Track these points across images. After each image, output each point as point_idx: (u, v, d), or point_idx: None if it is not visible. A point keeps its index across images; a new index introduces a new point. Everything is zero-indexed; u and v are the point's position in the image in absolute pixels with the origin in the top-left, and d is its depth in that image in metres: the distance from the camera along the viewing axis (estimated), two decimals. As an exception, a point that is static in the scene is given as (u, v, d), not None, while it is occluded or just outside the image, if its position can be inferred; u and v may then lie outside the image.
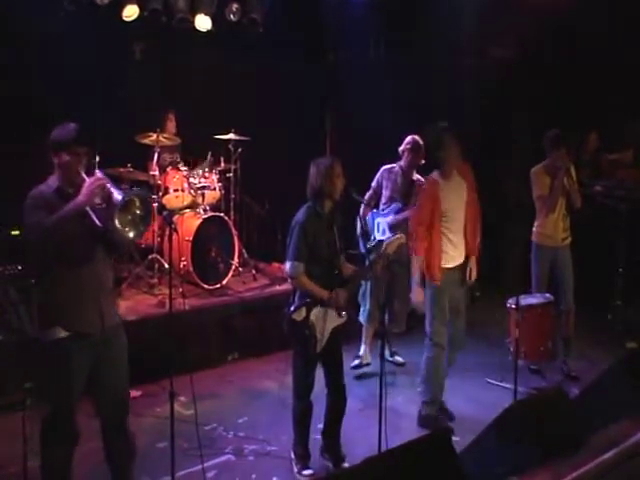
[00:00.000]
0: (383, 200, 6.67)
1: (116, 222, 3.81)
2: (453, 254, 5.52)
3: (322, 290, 4.73)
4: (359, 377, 6.59)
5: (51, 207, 3.87)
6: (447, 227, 5.48)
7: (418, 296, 5.56)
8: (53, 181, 4.03)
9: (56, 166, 4.00)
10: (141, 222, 3.92)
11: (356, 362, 6.73)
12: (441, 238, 5.47)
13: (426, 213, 5.48)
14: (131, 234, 3.91)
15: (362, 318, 6.77)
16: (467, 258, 5.60)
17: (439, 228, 5.46)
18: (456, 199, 5.51)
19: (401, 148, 6.60)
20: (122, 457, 4.30)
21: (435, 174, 5.57)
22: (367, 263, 4.93)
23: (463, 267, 5.60)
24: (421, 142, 6.47)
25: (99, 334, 4.04)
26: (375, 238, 6.50)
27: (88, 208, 3.89)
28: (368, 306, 6.67)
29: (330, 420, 5.02)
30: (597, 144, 8.62)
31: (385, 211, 6.63)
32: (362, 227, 6.44)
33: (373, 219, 6.65)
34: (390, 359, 6.84)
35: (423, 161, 6.48)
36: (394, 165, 6.68)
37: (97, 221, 3.94)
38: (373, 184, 6.73)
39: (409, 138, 6.58)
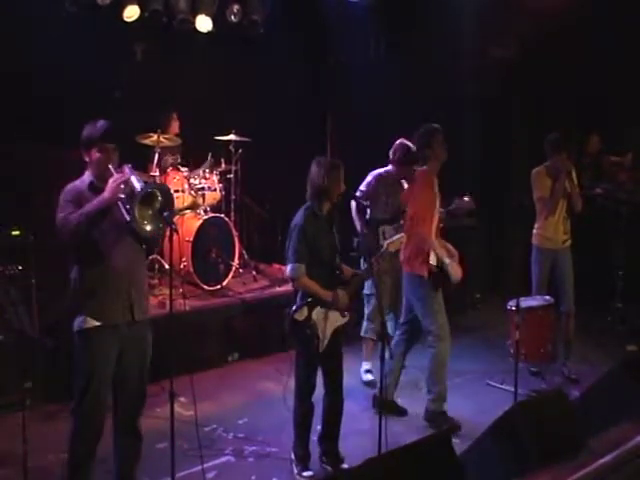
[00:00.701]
0: (382, 207, 6.42)
1: (136, 213, 3.88)
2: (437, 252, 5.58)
3: (324, 290, 4.73)
4: (369, 384, 6.50)
5: (82, 201, 3.98)
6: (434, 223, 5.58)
7: (457, 272, 5.56)
8: (87, 176, 4.13)
9: (88, 162, 4.11)
10: (161, 219, 3.95)
11: (369, 379, 6.55)
12: (433, 237, 5.53)
13: (430, 199, 5.56)
14: (148, 227, 3.95)
15: (363, 332, 6.58)
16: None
17: (431, 221, 5.53)
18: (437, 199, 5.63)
19: (392, 158, 6.41)
20: (129, 456, 4.33)
21: (425, 168, 5.63)
22: (368, 263, 4.94)
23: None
24: (410, 147, 6.26)
25: (127, 327, 4.12)
26: (383, 246, 6.31)
27: (119, 202, 3.98)
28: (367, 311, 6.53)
29: (328, 421, 5.01)
30: (598, 146, 8.62)
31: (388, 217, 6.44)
32: (360, 243, 6.09)
33: (376, 227, 6.42)
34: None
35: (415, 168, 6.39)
36: (386, 170, 6.47)
37: (126, 215, 4.00)
38: (364, 188, 6.46)
39: (401, 145, 6.38)
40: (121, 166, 4.11)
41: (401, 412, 5.80)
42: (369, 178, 6.47)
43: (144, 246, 4.25)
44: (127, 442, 4.30)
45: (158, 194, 3.99)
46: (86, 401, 4.08)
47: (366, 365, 6.62)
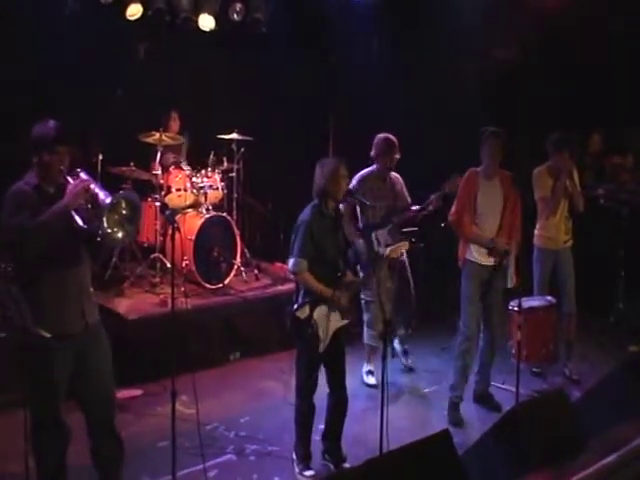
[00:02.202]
0: (370, 211, 6.23)
1: (105, 224, 3.75)
2: (479, 251, 5.72)
3: (325, 288, 4.73)
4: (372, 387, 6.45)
5: (32, 206, 3.79)
6: (477, 224, 5.70)
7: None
8: (31, 178, 3.93)
9: (35, 164, 3.91)
10: (129, 222, 3.87)
11: (373, 382, 6.48)
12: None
13: (461, 201, 5.72)
14: (119, 234, 3.85)
15: (366, 338, 6.52)
16: (500, 263, 5.73)
17: (469, 219, 5.67)
18: (490, 201, 5.71)
19: (373, 153, 6.33)
20: (110, 460, 4.23)
21: (478, 169, 5.77)
22: (365, 272, 4.94)
23: (494, 268, 5.74)
24: (392, 140, 6.26)
25: (82, 333, 4.01)
26: (379, 252, 6.16)
27: (72, 210, 3.83)
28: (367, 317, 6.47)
29: (332, 421, 5.02)
30: (600, 146, 8.61)
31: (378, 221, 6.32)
32: (355, 253, 5.97)
33: (370, 234, 6.26)
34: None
35: (397, 156, 6.29)
36: (370, 170, 6.38)
37: (80, 222, 3.88)
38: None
39: (378, 140, 6.31)
40: (74, 170, 3.95)
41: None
42: (353, 182, 6.18)
43: (94, 252, 4.11)
44: (105, 445, 4.19)
45: (122, 202, 3.87)
46: (49, 417, 4.00)
47: (367, 367, 6.60)
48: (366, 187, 6.27)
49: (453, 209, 5.82)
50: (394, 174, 6.45)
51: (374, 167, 6.38)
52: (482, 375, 6.04)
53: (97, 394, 4.13)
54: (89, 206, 3.88)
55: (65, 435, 4.09)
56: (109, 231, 3.78)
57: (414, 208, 6.30)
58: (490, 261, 5.72)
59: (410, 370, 6.79)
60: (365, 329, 6.48)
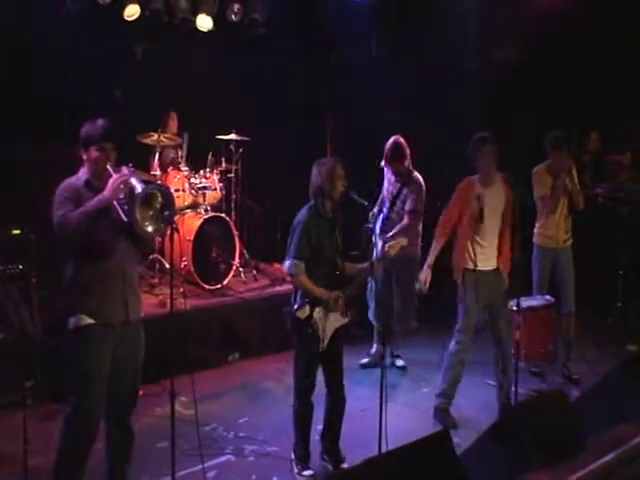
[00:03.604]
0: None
1: (137, 215, 3.89)
2: (482, 258, 5.62)
3: (322, 290, 4.73)
4: (364, 366, 6.74)
5: (79, 199, 3.97)
6: (476, 232, 5.59)
7: (423, 276, 5.68)
8: (83, 173, 4.11)
9: (85, 160, 4.09)
10: (162, 219, 3.97)
11: (365, 360, 6.81)
12: (468, 240, 5.58)
13: (454, 212, 5.65)
14: (149, 228, 3.97)
15: (371, 317, 6.80)
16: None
17: (468, 230, 5.58)
18: (490, 206, 5.59)
19: (384, 157, 6.51)
20: (121, 453, 4.30)
21: (475, 177, 5.66)
22: (368, 264, 4.94)
23: (497, 271, 5.68)
24: (400, 144, 6.38)
25: (122, 326, 4.11)
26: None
27: (115, 202, 3.98)
28: (374, 304, 6.69)
29: (330, 421, 5.01)
30: (598, 144, 8.61)
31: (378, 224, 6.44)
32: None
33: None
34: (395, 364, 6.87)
35: (407, 162, 6.42)
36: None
37: (123, 215, 4.02)
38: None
39: (388, 144, 6.47)
40: (119, 166, 4.11)
41: None
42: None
43: (138, 247, 4.24)
44: (119, 439, 4.27)
45: (158, 195, 3.99)
46: (85, 404, 4.06)
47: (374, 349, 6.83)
48: (387, 176, 6.62)
49: (442, 216, 5.73)
50: (416, 175, 6.51)
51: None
52: (503, 385, 5.76)
53: (122, 390, 4.19)
54: (129, 200, 4.01)
55: (93, 433, 4.11)
56: (140, 222, 3.92)
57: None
58: (489, 265, 5.65)
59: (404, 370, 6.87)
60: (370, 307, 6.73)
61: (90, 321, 4.02)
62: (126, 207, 4.02)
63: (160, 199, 3.98)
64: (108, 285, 4.06)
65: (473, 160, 5.58)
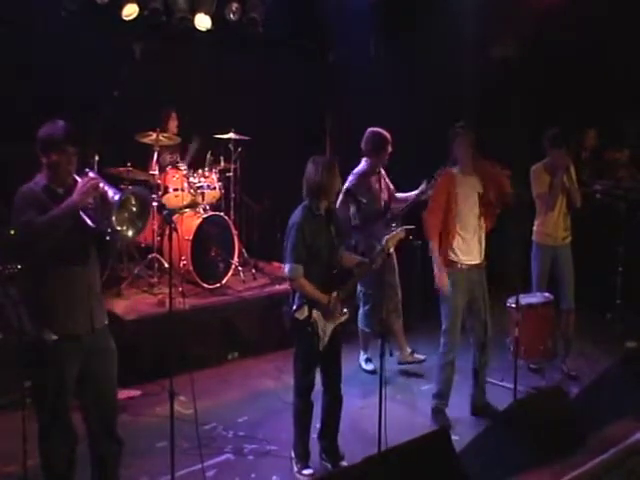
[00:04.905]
0: (363, 216, 6.25)
1: (114, 222, 3.75)
2: (465, 251, 5.54)
3: (321, 294, 4.72)
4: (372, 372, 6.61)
5: (40, 205, 3.79)
6: (459, 224, 5.52)
7: (440, 280, 5.51)
8: (41, 179, 3.92)
9: (44, 165, 3.89)
10: (138, 219, 3.87)
11: (371, 367, 6.67)
12: (452, 234, 5.51)
13: (438, 204, 5.53)
14: (130, 232, 3.86)
15: (364, 323, 6.63)
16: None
17: (452, 223, 5.50)
18: (468, 197, 5.54)
19: (365, 148, 6.37)
20: (109, 461, 4.21)
21: (453, 168, 5.62)
22: (368, 259, 4.94)
23: (480, 267, 5.63)
24: (385, 135, 6.31)
25: (89, 335, 4.00)
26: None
27: (80, 209, 3.83)
28: (365, 308, 6.57)
29: (327, 420, 5.01)
30: (595, 141, 8.60)
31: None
32: (358, 242, 6.23)
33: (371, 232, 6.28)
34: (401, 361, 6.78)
35: (390, 149, 6.34)
36: (365, 166, 6.40)
37: (89, 221, 3.88)
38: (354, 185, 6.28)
39: (372, 135, 6.35)
40: (83, 170, 3.93)
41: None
42: (352, 180, 6.31)
43: (103, 253, 4.12)
44: (106, 448, 4.17)
45: (132, 198, 3.87)
46: (58, 419, 3.97)
47: (365, 355, 6.73)
48: (365, 185, 6.33)
49: (428, 209, 5.62)
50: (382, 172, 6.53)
51: (368, 163, 6.40)
52: (479, 383, 5.80)
53: (99, 399, 4.11)
54: (97, 205, 3.87)
55: (72, 439, 4.07)
56: (118, 229, 3.78)
57: (411, 195, 6.37)
58: (474, 258, 5.58)
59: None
60: (361, 316, 6.55)
61: (54, 336, 3.84)
62: (92, 212, 3.87)
63: (133, 201, 3.86)
64: (73, 295, 3.92)
65: (450, 151, 5.58)
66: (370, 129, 6.40)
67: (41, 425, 4.01)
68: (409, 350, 6.74)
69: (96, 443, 4.17)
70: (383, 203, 6.48)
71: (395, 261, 6.53)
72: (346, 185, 6.21)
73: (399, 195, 6.57)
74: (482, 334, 5.65)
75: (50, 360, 3.91)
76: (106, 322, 4.17)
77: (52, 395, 3.96)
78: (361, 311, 6.60)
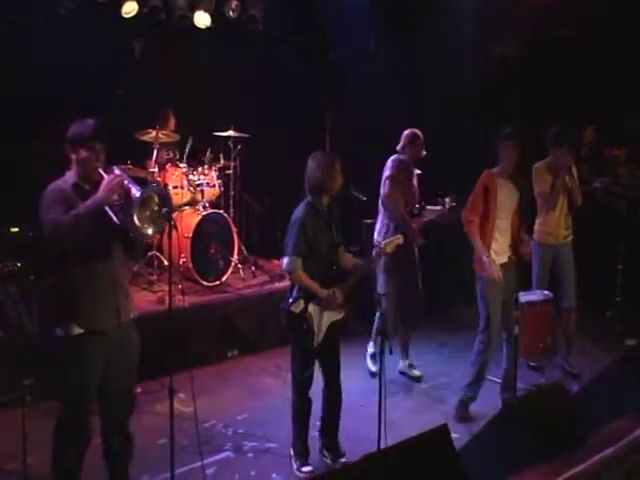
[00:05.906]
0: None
1: (135, 219, 3.81)
2: (497, 251, 5.62)
3: (319, 288, 4.72)
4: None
5: (68, 202, 3.86)
6: (496, 228, 5.60)
7: (492, 269, 5.53)
8: (70, 176, 3.99)
9: (73, 162, 3.97)
10: (160, 218, 3.91)
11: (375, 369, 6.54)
12: (489, 237, 5.58)
13: (480, 202, 5.59)
14: (150, 230, 3.91)
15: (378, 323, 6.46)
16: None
17: (492, 221, 5.58)
18: (507, 200, 5.62)
19: (401, 144, 6.40)
20: (121, 457, 4.25)
21: (494, 169, 5.68)
22: (366, 261, 4.94)
23: (508, 267, 5.67)
24: (420, 134, 6.36)
25: (114, 331, 4.03)
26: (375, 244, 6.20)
27: (108, 205, 3.89)
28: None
29: (327, 417, 5.02)
30: (593, 138, 8.59)
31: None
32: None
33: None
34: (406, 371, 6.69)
35: (424, 152, 6.37)
36: (402, 158, 6.40)
37: (115, 218, 3.92)
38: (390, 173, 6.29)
39: (408, 132, 6.41)
40: (109, 167, 3.99)
41: None
42: (391, 168, 6.32)
43: (129, 249, 4.15)
44: (118, 444, 4.20)
45: (155, 196, 3.92)
46: (73, 415, 4.00)
47: (372, 349, 6.66)
48: (403, 174, 6.34)
49: (468, 207, 5.66)
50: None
51: (402, 157, 6.42)
52: (507, 382, 5.77)
53: (119, 395, 4.13)
54: (122, 202, 3.91)
55: (85, 440, 4.07)
56: (138, 225, 3.83)
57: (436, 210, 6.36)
58: (506, 258, 5.65)
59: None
60: (377, 319, 6.42)
61: (79, 330, 3.90)
62: (118, 209, 3.91)
63: (156, 199, 3.92)
64: (99, 290, 3.96)
65: (497, 152, 5.66)
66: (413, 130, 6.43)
67: (58, 422, 4.03)
68: (408, 362, 6.67)
69: (108, 439, 4.19)
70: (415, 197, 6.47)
71: (418, 271, 6.49)
72: (389, 172, 6.26)
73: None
74: (513, 329, 5.63)
75: (73, 356, 3.93)
76: (132, 315, 4.19)
77: (73, 393, 3.98)
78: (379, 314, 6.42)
